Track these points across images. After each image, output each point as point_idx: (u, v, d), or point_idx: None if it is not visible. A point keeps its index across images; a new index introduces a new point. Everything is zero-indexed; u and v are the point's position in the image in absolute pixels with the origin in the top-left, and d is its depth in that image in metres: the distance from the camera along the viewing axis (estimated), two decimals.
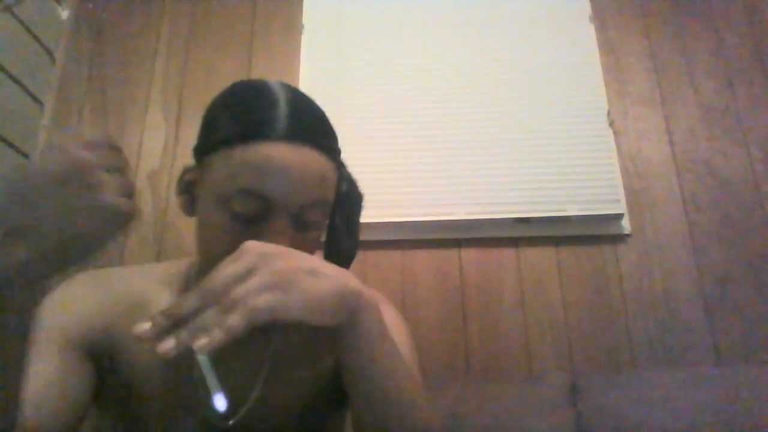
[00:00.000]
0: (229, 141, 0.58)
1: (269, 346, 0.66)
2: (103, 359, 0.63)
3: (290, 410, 0.66)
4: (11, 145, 1.47)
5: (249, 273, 0.46)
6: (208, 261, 0.58)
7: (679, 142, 1.55)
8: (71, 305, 0.64)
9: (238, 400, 0.64)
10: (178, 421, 0.64)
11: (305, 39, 1.71)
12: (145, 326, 0.45)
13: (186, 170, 0.64)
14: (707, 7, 1.69)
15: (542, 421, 1.13)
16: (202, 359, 0.45)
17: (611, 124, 1.56)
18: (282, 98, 0.60)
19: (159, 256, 1.48)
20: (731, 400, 1.09)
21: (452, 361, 1.36)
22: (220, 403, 0.46)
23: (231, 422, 0.62)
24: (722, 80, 1.61)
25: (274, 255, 0.48)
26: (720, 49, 1.64)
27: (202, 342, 0.43)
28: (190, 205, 0.64)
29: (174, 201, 1.53)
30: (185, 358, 0.54)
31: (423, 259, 1.46)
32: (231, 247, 0.52)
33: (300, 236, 0.58)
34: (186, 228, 1.51)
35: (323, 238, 0.66)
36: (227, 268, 0.46)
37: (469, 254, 1.46)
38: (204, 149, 0.61)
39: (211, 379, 0.46)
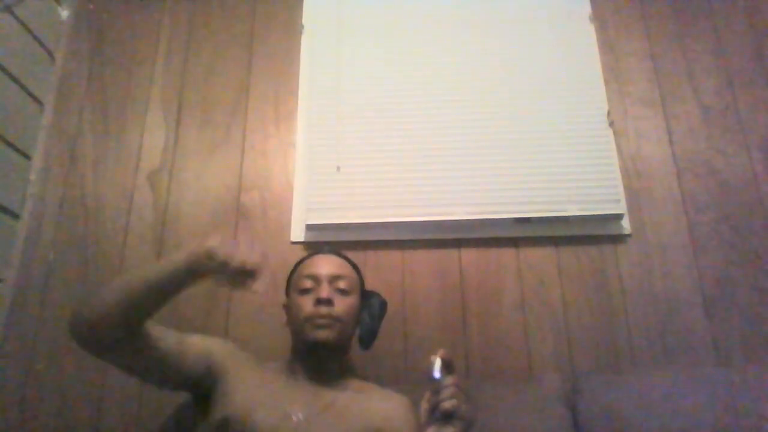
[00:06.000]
0: (295, 268, 1.16)
1: (329, 392, 1.02)
2: (221, 368, 1.03)
3: None
4: (11, 145, 1.47)
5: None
6: (298, 324, 1.05)
7: (679, 142, 1.55)
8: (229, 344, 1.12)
9: (303, 415, 0.97)
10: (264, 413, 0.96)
11: (305, 39, 1.71)
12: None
13: (284, 303, 1.16)
14: (707, 7, 1.69)
15: (542, 421, 1.13)
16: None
17: (611, 124, 1.56)
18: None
19: (159, 256, 1.48)
20: (731, 400, 1.09)
21: None
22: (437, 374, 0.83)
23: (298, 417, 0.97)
24: (722, 80, 1.61)
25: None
26: (720, 49, 1.64)
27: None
28: (288, 311, 1.13)
29: (174, 201, 1.54)
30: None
31: (423, 259, 1.46)
32: (306, 308, 1.04)
33: (339, 297, 1.06)
34: (186, 228, 1.51)
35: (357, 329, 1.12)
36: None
37: (469, 254, 1.46)
38: (288, 284, 1.16)
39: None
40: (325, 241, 1.46)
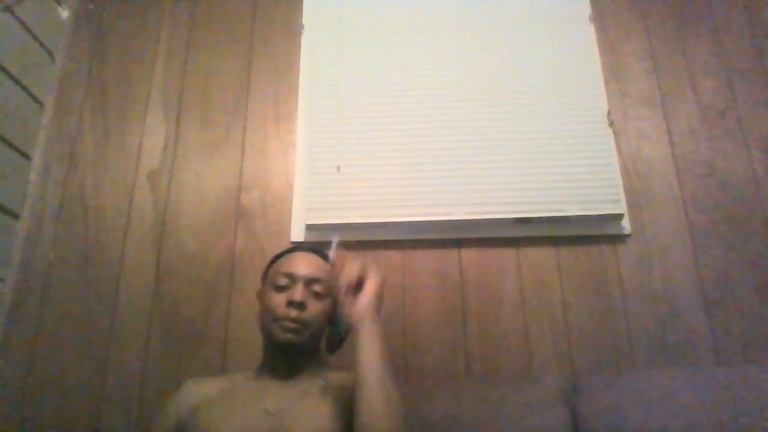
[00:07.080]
0: (274, 260, 1.14)
1: (301, 385, 1.03)
2: (188, 413, 1.02)
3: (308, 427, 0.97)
4: (11, 145, 1.47)
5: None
6: (267, 322, 1.05)
7: (679, 142, 1.55)
8: (180, 394, 1.08)
9: (279, 408, 0.98)
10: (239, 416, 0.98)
11: (305, 39, 1.71)
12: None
13: (258, 291, 1.15)
14: (707, 7, 1.69)
15: (542, 421, 1.13)
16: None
17: (611, 124, 1.56)
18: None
19: (159, 256, 1.48)
20: (731, 400, 1.08)
21: (452, 361, 1.36)
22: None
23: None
24: (722, 80, 1.61)
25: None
26: (720, 49, 1.64)
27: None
28: (260, 302, 1.12)
29: (174, 201, 1.54)
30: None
31: (423, 259, 1.46)
32: (278, 307, 1.03)
33: (312, 299, 1.05)
34: (186, 228, 1.51)
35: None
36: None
37: (469, 254, 1.46)
38: (265, 274, 1.14)
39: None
40: (325, 240, 1.45)
